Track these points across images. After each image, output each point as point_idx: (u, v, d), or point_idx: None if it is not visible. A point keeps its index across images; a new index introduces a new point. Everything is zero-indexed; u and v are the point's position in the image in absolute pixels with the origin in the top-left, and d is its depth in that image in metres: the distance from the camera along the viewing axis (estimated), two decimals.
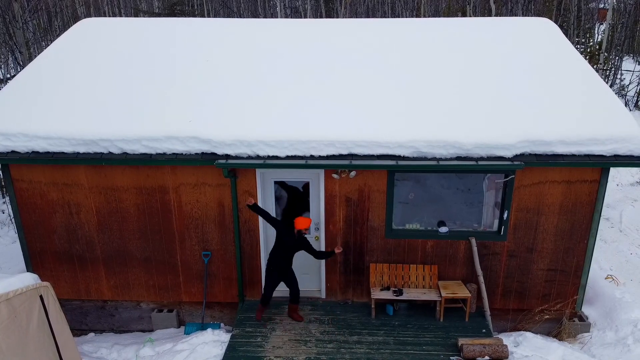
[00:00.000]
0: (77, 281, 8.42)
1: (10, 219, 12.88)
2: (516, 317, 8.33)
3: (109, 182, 7.80)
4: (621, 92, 21.99)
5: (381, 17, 29.44)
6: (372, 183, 7.71)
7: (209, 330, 7.93)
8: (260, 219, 7.93)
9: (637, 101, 22.13)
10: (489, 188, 7.87)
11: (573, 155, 7.12)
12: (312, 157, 7.21)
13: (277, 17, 27.59)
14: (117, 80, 8.42)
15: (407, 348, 7.24)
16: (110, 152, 7.34)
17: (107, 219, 8.01)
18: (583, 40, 22.89)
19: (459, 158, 7.16)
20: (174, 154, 7.32)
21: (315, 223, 8.18)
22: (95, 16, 21.42)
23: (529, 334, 7.83)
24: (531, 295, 8.19)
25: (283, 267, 7.54)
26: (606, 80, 21.95)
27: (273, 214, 8.17)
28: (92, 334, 8.72)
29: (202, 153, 7.31)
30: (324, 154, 7.18)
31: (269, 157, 7.23)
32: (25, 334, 5.49)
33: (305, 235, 7.61)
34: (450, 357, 7.01)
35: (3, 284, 5.54)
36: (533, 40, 9.37)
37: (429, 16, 26.12)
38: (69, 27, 13.52)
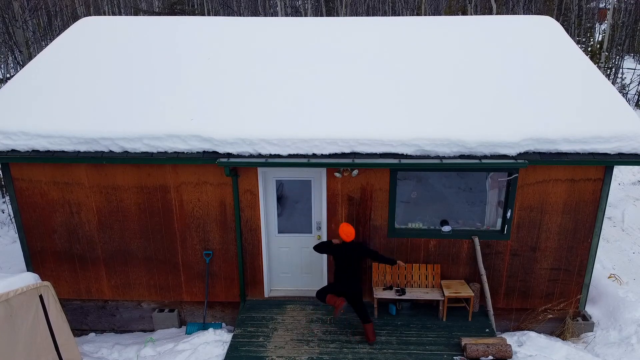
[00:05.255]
0: (77, 281, 8.37)
1: (10, 219, 12.84)
2: (519, 317, 8.29)
3: (110, 181, 7.75)
4: (622, 91, 21.98)
5: (382, 16, 29.39)
6: (374, 182, 7.67)
7: (211, 330, 7.89)
8: (262, 217, 7.90)
9: (637, 100, 22.11)
10: (492, 187, 7.82)
11: (577, 154, 7.08)
12: (314, 155, 7.17)
13: (277, 16, 27.54)
14: (117, 78, 8.38)
15: (410, 348, 7.20)
16: (111, 151, 7.29)
17: (107, 218, 7.96)
18: (584, 40, 22.90)
19: (462, 156, 7.12)
20: (175, 152, 7.28)
21: (317, 222, 8.14)
22: (95, 16, 21.34)
23: (532, 334, 7.80)
24: (534, 295, 8.15)
25: (345, 280, 7.20)
26: (607, 79, 21.93)
27: (275, 211, 8.14)
28: (92, 334, 8.68)
29: (204, 152, 7.27)
30: (326, 152, 7.13)
31: (271, 156, 7.19)
32: (17, 333, 5.46)
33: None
34: (454, 357, 6.97)
35: (4, 283, 5.53)
36: (536, 39, 9.33)
37: (429, 15, 26.08)
38: (69, 26, 13.47)
